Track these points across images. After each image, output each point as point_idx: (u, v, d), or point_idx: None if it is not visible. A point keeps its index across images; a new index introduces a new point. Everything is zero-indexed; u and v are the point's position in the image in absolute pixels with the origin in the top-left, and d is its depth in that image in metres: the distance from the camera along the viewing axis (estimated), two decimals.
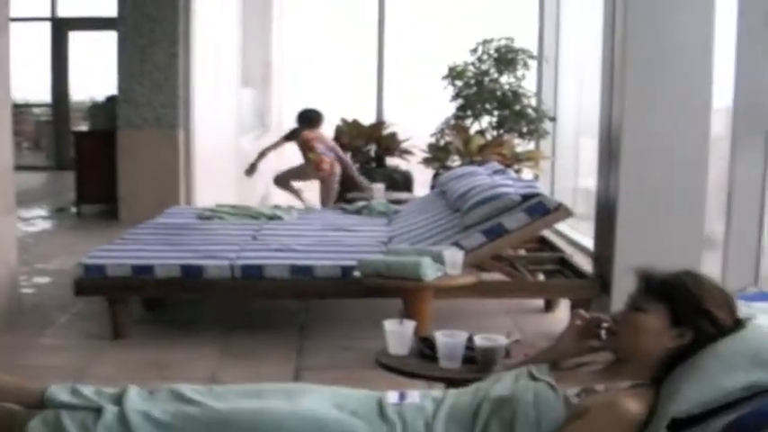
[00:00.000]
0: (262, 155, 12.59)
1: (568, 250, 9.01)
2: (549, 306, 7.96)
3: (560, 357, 3.41)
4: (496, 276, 7.42)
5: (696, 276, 3.16)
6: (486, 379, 3.40)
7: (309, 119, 12.48)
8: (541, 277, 7.90)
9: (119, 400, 3.32)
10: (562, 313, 7.56)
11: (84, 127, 16.58)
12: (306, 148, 12.28)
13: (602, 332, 3.34)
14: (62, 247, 10.88)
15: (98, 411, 3.24)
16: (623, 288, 3.33)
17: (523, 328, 6.88)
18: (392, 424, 3.12)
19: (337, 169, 12.32)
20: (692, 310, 3.05)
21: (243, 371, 6.12)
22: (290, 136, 12.65)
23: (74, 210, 14.01)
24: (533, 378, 3.21)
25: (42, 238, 11.96)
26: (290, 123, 13.20)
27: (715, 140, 7.19)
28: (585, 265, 7.98)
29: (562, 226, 10.52)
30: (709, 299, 3.07)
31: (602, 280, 7.14)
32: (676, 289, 3.10)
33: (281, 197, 13.10)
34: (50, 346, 6.94)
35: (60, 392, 3.39)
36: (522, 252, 8.61)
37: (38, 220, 13.51)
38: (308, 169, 12.37)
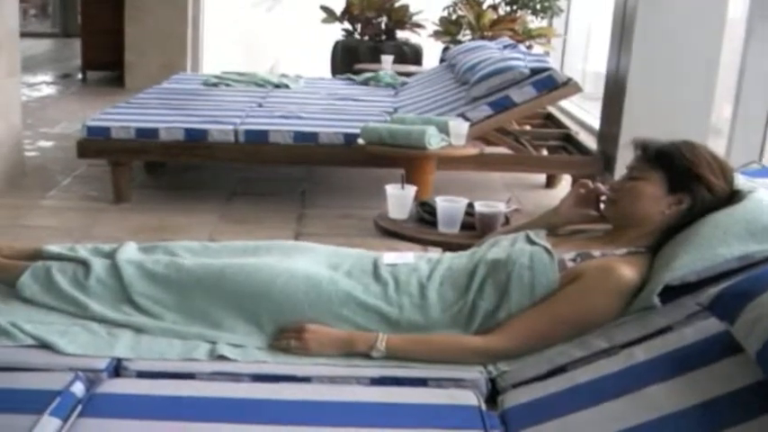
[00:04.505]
0: None
1: (574, 128, 8.94)
2: (550, 182, 7.94)
3: (559, 223, 3.41)
4: (500, 150, 7.39)
5: (691, 144, 3.13)
6: (484, 243, 3.39)
7: None
8: (545, 153, 7.87)
9: (113, 255, 3.31)
10: (563, 190, 7.52)
11: None
12: None
13: (602, 204, 3.33)
14: (66, 113, 10.85)
15: (88, 265, 3.23)
16: (626, 165, 3.31)
17: (523, 203, 6.85)
18: (385, 283, 3.11)
19: None
20: (687, 176, 3.03)
21: (241, 237, 6.08)
22: None
23: (79, 76, 13.94)
24: (530, 242, 3.20)
25: (47, 103, 11.90)
26: None
27: (731, 23, 7.10)
28: (590, 142, 7.94)
29: (569, 104, 10.46)
30: (703, 164, 3.05)
31: (606, 157, 7.12)
32: (671, 155, 3.08)
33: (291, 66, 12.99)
34: (52, 207, 6.95)
35: (56, 248, 3.40)
36: (528, 128, 8.56)
37: (43, 85, 13.44)
38: None
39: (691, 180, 3.02)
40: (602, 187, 3.37)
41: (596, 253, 3.05)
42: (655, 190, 3.07)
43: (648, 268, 2.98)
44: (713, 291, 2.49)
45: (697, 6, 6.78)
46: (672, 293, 2.82)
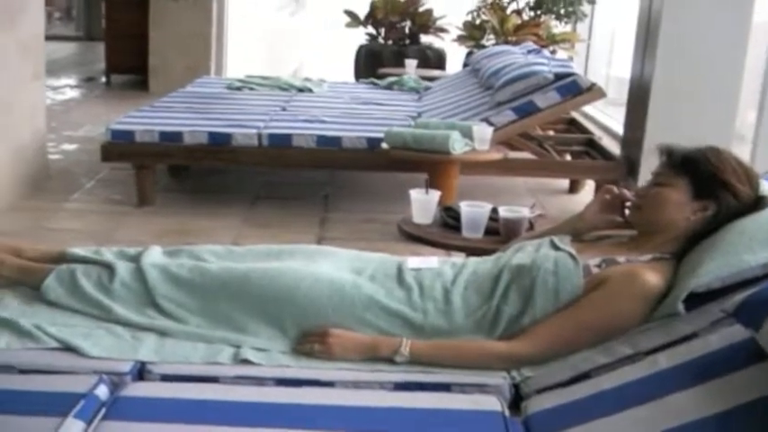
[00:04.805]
0: None
1: (597, 134, 8.92)
2: (573, 188, 7.94)
3: (584, 228, 3.40)
4: (524, 155, 7.38)
5: (716, 150, 3.13)
6: (509, 248, 3.39)
7: None
8: (568, 158, 7.85)
9: (138, 258, 3.32)
10: (586, 195, 7.52)
11: None
12: None
13: (627, 210, 3.32)
14: (90, 116, 10.89)
15: (113, 269, 3.24)
16: (650, 171, 3.30)
17: (547, 208, 6.82)
18: (409, 288, 3.11)
19: None
20: (713, 182, 3.03)
21: (265, 240, 6.04)
22: None
23: (103, 80, 13.98)
24: (555, 247, 3.18)
25: (71, 106, 11.95)
26: None
27: (755, 28, 7.08)
28: (613, 148, 7.93)
29: (592, 110, 10.45)
30: (729, 171, 3.04)
31: (630, 162, 7.10)
32: (697, 161, 3.08)
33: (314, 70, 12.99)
34: (75, 210, 6.98)
35: (81, 251, 3.41)
36: (551, 133, 8.55)
37: (66, 89, 13.48)
38: None
39: (716, 186, 3.02)
40: (627, 193, 3.36)
41: (621, 259, 3.04)
42: (680, 196, 3.06)
43: (673, 274, 2.96)
44: (738, 297, 2.47)
45: (722, 11, 6.76)
46: (697, 300, 2.80)
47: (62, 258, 3.40)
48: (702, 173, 3.04)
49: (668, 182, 3.11)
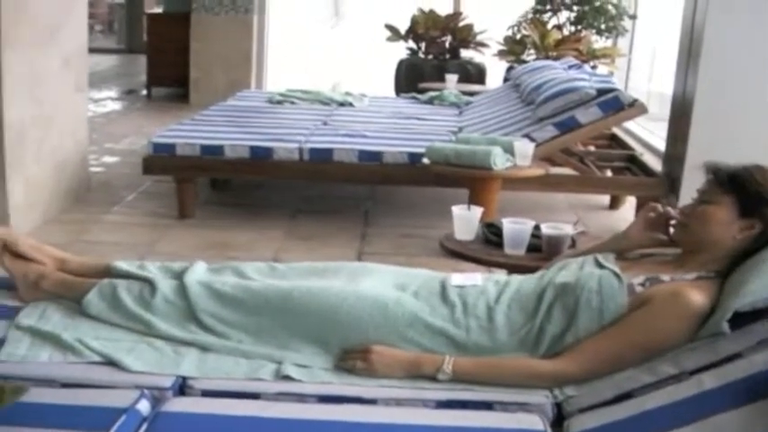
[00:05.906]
0: None
1: (638, 149, 8.87)
2: (613, 204, 7.91)
3: (628, 247, 3.38)
4: (565, 170, 7.35)
5: (763, 168, 3.09)
6: (552, 266, 3.37)
7: None
8: (609, 174, 7.82)
9: (182, 274, 3.32)
10: (627, 211, 7.50)
11: (157, 9, 16.55)
12: None
13: (671, 228, 3.30)
14: (131, 128, 10.96)
15: (155, 285, 3.24)
16: (692, 188, 3.27)
17: (587, 224, 6.78)
18: (452, 306, 3.09)
19: None
20: (759, 201, 3.00)
21: (306, 254, 6.12)
22: None
23: (144, 92, 14.05)
24: (599, 266, 3.16)
25: (112, 118, 12.02)
26: (367, 12, 12.95)
27: None
28: (655, 164, 7.88)
29: (633, 125, 10.40)
30: None
31: (672, 179, 7.06)
32: (743, 180, 3.04)
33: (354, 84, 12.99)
34: (116, 222, 7.01)
35: (125, 264, 3.41)
36: (592, 149, 8.52)
37: (108, 101, 13.58)
38: None
39: (762, 205, 2.99)
40: (671, 211, 3.33)
41: (666, 278, 3.01)
42: (726, 214, 3.03)
43: (718, 294, 2.93)
44: None
45: (765, 26, 6.71)
46: (742, 319, 2.76)
47: (107, 272, 3.41)
48: (749, 191, 3.01)
49: (714, 200, 3.08)
